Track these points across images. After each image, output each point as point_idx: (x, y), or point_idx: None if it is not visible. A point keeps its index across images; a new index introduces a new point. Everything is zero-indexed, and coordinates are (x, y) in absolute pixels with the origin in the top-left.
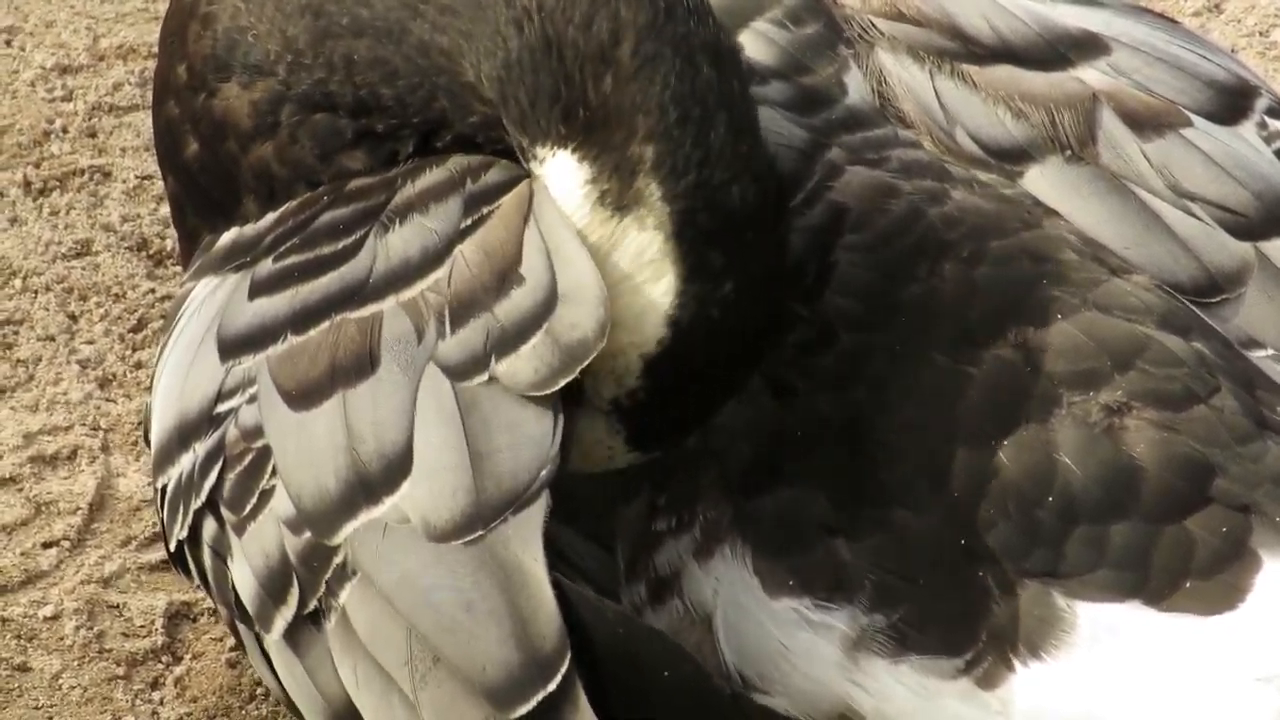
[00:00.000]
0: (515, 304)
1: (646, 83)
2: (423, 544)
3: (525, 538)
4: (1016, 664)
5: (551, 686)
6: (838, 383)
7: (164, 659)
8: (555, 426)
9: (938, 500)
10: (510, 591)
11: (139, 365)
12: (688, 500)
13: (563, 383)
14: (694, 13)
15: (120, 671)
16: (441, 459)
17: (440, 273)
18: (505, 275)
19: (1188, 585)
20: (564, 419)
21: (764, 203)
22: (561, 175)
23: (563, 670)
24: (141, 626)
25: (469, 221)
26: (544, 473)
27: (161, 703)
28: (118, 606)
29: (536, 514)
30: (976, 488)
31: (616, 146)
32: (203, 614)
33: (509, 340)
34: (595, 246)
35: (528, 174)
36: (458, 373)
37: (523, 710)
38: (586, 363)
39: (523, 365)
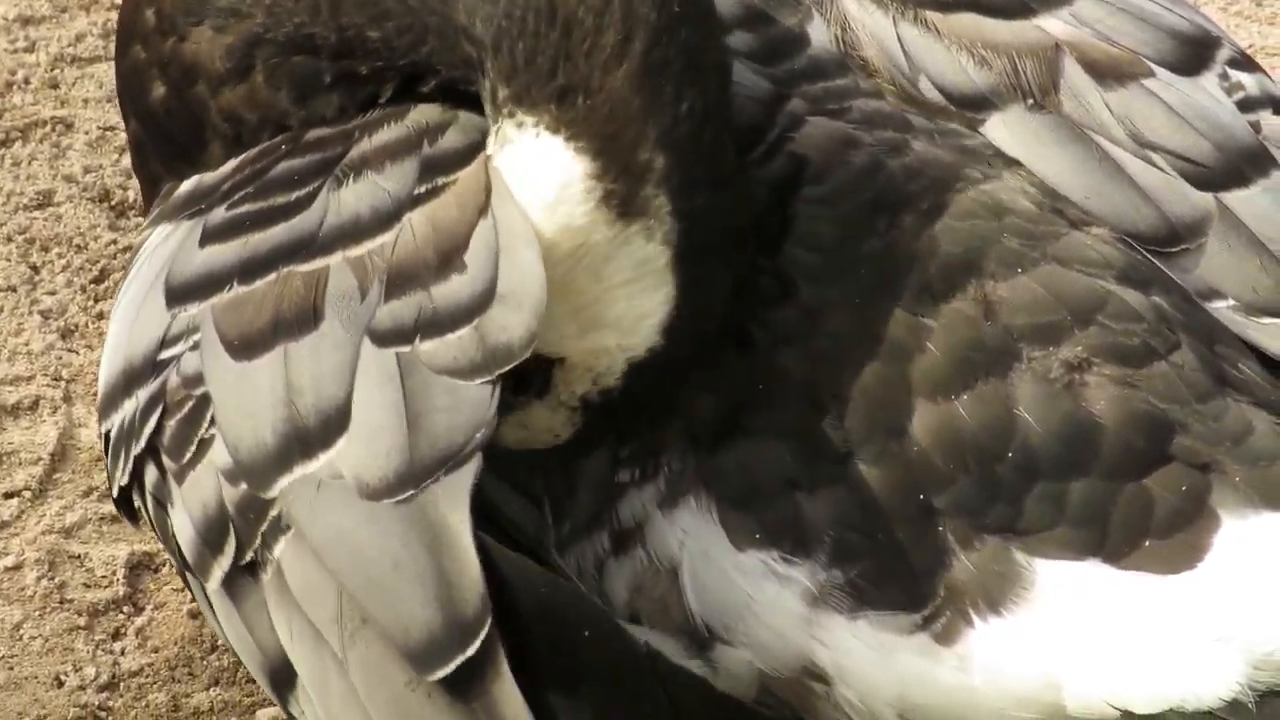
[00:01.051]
0: (452, 290)
1: (659, 89)
2: (355, 501)
3: (454, 498)
4: (975, 620)
5: (471, 651)
6: (798, 336)
7: (125, 609)
8: (494, 389)
9: (897, 455)
10: (437, 553)
11: (101, 316)
12: (651, 452)
13: (477, 381)
14: (703, 25)
15: (82, 622)
16: (379, 418)
17: (387, 237)
18: (449, 258)
19: (1147, 544)
20: (518, 409)
21: (749, 222)
22: (554, 161)
23: (483, 635)
24: (103, 577)
25: (423, 189)
26: (479, 435)
27: (123, 653)
28: (79, 557)
29: (467, 475)
30: (936, 442)
31: (623, 147)
32: (164, 564)
33: (438, 324)
34: (596, 248)
35: (487, 151)
36: (382, 339)
37: (442, 673)
38: (507, 368)
39: (444, 352)
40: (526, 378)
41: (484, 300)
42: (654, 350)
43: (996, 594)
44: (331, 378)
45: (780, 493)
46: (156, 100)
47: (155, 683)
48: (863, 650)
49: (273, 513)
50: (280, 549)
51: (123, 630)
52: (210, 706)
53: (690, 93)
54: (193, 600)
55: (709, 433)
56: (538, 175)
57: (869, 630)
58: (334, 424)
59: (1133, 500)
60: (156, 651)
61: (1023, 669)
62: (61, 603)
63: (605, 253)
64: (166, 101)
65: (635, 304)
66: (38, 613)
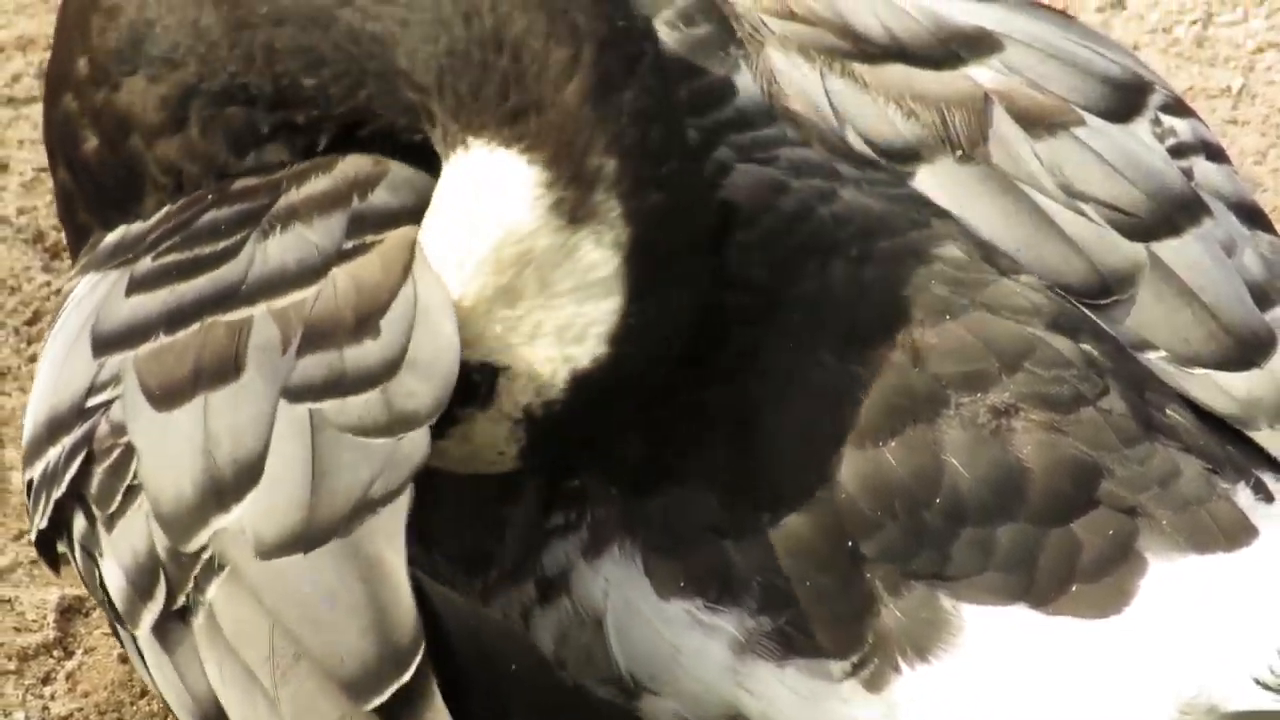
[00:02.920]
0: (363, 354)
1: (608, 97)
2: None
3: (389, 532)
4: (903, 666)
5: (406, 677)
6: (727, 380)
7: (55, 653)
8: (419, 437)
9: (825, 501)
10: (371, 584)
11: (33, 359)
12: (577, 497)
13: (380, 441)
14: (644, 33)
15: (11, 666)
16: (283, 473)
17: (309, 291)
18: (366, 321)
19: (1074, 588)
20: (462, 422)
21: (708, 227)
22: (504, 174)
23: (416, 661)
24: (33, 621)
25: (350, 245)
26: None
27: (53, 698)
28: (9, 600)
29: (401, 509)
30: (864, 489)
31: (574, 156)
32: (95, 609)
33: (345, 386)
34: (543, 254)
35: (414, 220)
36: (292, 395)
37: (377, 701)
38: (415, 430)
39: (349, 413)
40: (471, 387)
41: (392, 368)
42: (599, 361)
43: (924, 641)
44: (249, 429)
45: (706, 540)
46: (89, 151)
47: None
48: (790, 698)
49: (205, 555)
50: (213, 591)
51: (53, 675)
52: None
53: (640, 97)
54: (124, 645)
55: (635, 477)
56: (487, 187)
57: (797, 677)
58: (247, 476)
59: (1060, 545)
60: (86, 696)
61: (951, 715)
62: None
63: (553, 259)
64: (99, 153)
65: (581, 311)
66: None
